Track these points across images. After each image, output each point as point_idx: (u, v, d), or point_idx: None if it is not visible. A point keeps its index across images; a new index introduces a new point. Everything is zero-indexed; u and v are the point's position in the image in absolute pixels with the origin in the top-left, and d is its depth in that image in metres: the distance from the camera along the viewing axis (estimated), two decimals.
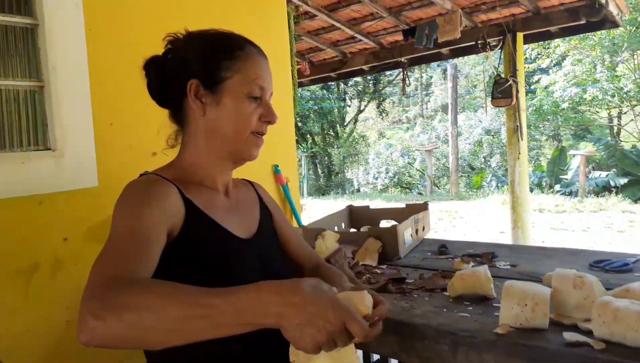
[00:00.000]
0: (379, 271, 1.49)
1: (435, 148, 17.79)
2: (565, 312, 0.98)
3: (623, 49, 13.56)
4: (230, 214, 1.03)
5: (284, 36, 2.59)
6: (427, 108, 27.88)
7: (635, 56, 13.90)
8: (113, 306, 0.67)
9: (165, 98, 1.03)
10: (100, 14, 1.60)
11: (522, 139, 4.74)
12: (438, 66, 22.68)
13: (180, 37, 1.02)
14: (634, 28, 13.04)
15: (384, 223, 2.09)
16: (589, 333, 0.90)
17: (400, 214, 2.06)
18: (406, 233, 1.74)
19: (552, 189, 13.31)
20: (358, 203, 2.86)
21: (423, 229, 1.96)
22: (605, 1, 4.47)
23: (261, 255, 1.03)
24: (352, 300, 0.80)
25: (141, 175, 1.00)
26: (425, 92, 28.14)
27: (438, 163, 18.89)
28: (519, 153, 4.71)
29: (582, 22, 4.73)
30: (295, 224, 2.51)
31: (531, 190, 13.01)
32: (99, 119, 1.55)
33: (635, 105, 14.75)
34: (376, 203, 10.76)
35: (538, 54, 15.69)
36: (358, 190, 19.48)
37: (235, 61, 0.97)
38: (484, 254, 1.57)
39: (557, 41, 13.90)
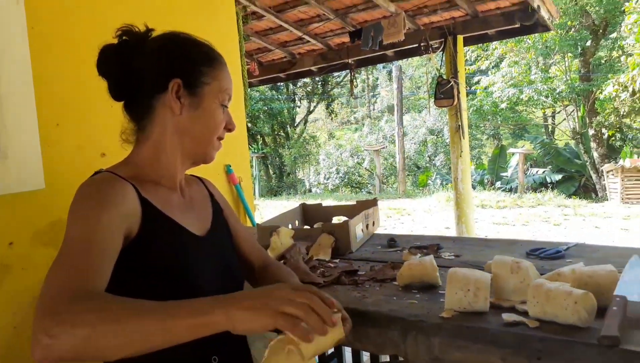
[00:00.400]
0: (332, 265, 1.53)
1: (383, 147, 18.17)
2: (504, 295, 1.07)
3: (555, 51, 14.37)
4: (186, 212, 1.05)
5: (233, 36, 2.60)
6: (374, 109, 28.41)
7: (566, 58, 14.76)
8: (68, 324, 0.68)
9: (128, 91, 1.02)
10: (44, 10, 1.56)
11: (463, 138, 4.96)
12: (383, 67, 23.14)
13: (141, 32, 1.02)
14: (564, 32, 13.84)
15: (336, 220, 2.14)
16: (525, 313, 0.98)
17: (351, 211, 2.11)
18: (357, 228, 1.80)
19: (493, 186, 13.93)
20: (311, 201, 2.91)
21: (373, 224, 2.03)
22: (537, 6, 4.74)
23: (216, 252, 1.06)
24: None
25: (96, 173, 0.99)
26: (372, 93, 28.66)
27: (386, 163, 19.31)
28: (461, 151, 4.92)
29: (516, 25, 5.00)
30: (249, 224, 2.53)
31: (474, 187, 13.56)
32: (45, 119, 1.51)
33: (567, 105, 15.67)
34: (328, 203, 10.91)
35: (478, 56, 16.35)
36: (310, 190, 19.59)
37: (213, 69, 1.02)
38: (430, 245, 1.65)
39: (495, 44, 14.54)
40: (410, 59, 18.56)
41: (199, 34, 1.06)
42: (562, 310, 0.91)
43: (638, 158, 12.64)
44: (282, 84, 19.31)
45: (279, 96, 20.54)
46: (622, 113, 12.28)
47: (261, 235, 1.71)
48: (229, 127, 1.07)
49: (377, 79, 27.89)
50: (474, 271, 1.06)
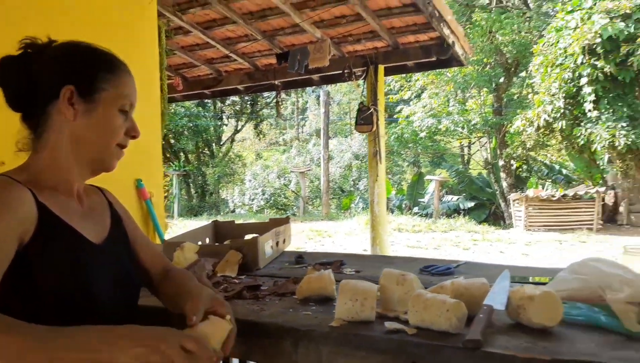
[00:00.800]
0: (237, 281, 1.55)
1: (309, 170, 18.40)
2: (390, 306, 1.14)
3: (471, 86, 15.38)
4: (83, 220, 1.04)
5: (153, 49, 2.58)
6: (302, 131, 28.77)
7: (482, 93, 15.86)
8: None
9: (25, 100, 1.01)
10: None
11: (380, 163, 5.17)
12: (313, 91, 23.58)
13: (43, 43, 1.03)
14: (481, 68, 14.88)
15: (249, 237, 2.16)
16: (406, 322, 1.05)
17: (264, 229, 2.14)
18: (266, 245, 1.83)
19: (410, 211, 14.50)
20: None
21: (284, 241, 2.07)
22: (452, 42, 5.10)
23: (113, 260, 1.06)
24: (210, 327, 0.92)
25: None
26: (301, 116, 29.05)
27: (312, 185, 19.53)
28: (377, 176, 5.12)
29: (433, 59, 5.33)
30: (158, 241, 2.48)
31: (392, 211, 14.07)
32: None
33: (481, 136, 16.75)
34: None
35: (401, 86, 17.13)
36: (233, 211, 19.30)
37: (112, 76, 1.03)
38: (334, 262, 1.72)
39: (418, 75, 15.30)
40: (339, 85, 19.11)
41: (117, 46, 1.08)
42: (437, 317, 0.99)
43: (543, 188, 13.75)
44: (209, 101, 19.08)
45: (206, 113, 20.25)
46: (528, 146, 13.32)
47: (167, 250, 1.69)
48: (133, 134, 1.08)
49: (307, 102, 28.37)
50: (364, 282, 1.13)
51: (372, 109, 5.25)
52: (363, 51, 5.64)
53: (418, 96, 16.73)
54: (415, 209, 14.74)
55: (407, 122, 16.19)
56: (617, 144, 10.13)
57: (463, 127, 15.53)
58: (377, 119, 5.23)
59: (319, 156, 19.18)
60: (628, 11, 10.10)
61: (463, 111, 15.71)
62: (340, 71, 5.61)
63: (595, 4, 10.89)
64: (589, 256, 1.23)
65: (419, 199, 15.20)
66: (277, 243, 1.96)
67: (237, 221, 2.32)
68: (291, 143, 25.83)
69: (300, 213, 16.67)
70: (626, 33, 9.90)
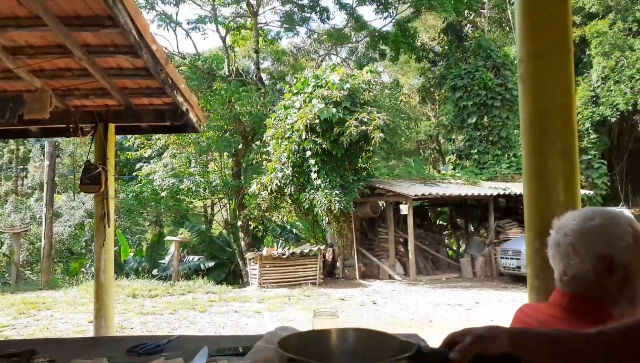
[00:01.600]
0: None
1: (27, 230, 15.85)
2: None
3: (212, 149, 15.96)
4: None
5: None
6: (23, 184, 25.24)
7: (223, 157, 16.58)
8: None
9: None
10: None
11: (109, 227, 4.82)
12: (37, 141, 20.95)
13: None
14: (222, 133, 15.62)
15: None
16: None
17: None
18: None
19: (149, 274, 13.83)
20: None
21: None
22: (186, 109, 5.20)
23: None
24: None
25: None
26: (22, 166, 25.59)
27: (32, 248, 16.81)
28: (105, 240, 4.75)
29: (168, 123, 5.33)
30: None
31: (128, 276, 13.17)
32: None
33: (222, 198, 17.36)
34: None
35: (141, 143, 16.62)
36: None
37: None
38: (24, 352, 1.48)
39: (159, 134, 15.14)
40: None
41: None
42: None
43: (277, 246, 14.89)
44: None
45: None
46: (263, 208, 14.38)
47: None
48: None
49: (30, 151, 25.17)
50: None
51: (100, 169, 4.89)
52: (92, 107, 5.27)
53: (159, 155, 16.48)
54: (155, 271, 14.10)
55: (147, 181, 15.70)
56: (333, 208, 11.83)
57: (205, 188, 15.86)
58: (106, 180, 4.89)
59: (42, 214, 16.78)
60: (338, 99, 12.21)
61: (205, 172, 16.10)
62: (65, 125, 5.11)
63: (314, 90, 12.82)
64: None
65: (159, 261, 14.63)
66: None
67: None
68: (6, 197, 22.13)
69: (12, 281, 14.07)
70: (337, 117, 11.89)
